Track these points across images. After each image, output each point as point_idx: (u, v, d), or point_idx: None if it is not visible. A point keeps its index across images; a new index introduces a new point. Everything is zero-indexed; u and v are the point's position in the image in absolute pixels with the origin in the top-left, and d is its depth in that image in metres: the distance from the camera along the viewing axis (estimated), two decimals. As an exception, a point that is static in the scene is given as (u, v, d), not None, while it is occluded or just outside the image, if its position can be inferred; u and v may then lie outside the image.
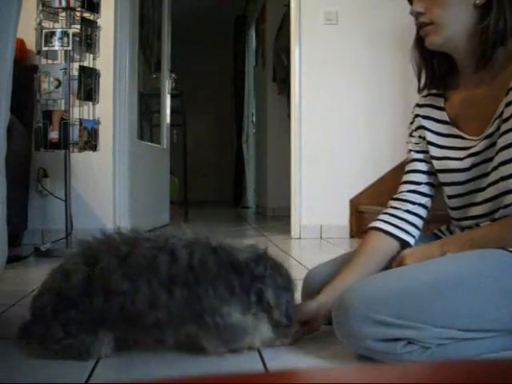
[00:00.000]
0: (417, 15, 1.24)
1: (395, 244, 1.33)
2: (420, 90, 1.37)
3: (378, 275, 1.22)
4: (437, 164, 1.32)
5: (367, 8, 3.54)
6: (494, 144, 1.18)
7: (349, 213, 3.50)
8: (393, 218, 1.34)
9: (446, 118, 1.32)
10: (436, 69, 1.32)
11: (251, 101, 6.75)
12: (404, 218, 1.34)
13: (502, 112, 1.16)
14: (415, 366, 0.38)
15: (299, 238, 3.47)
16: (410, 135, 1.42)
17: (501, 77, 1.20)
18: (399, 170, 3.53)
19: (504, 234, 1.16)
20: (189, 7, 6.46)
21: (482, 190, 1.23)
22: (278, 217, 5.06)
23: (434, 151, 1.32)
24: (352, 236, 3.49)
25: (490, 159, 1.20)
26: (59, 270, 1.19)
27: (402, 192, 1.38)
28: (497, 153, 1.18)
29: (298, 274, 1.44)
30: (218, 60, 7.86)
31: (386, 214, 1.36)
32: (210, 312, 1.09)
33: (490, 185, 1.21)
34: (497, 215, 1.20)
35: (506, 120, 1.15)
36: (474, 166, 1.24)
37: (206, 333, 1.12)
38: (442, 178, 1.32)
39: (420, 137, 1.38)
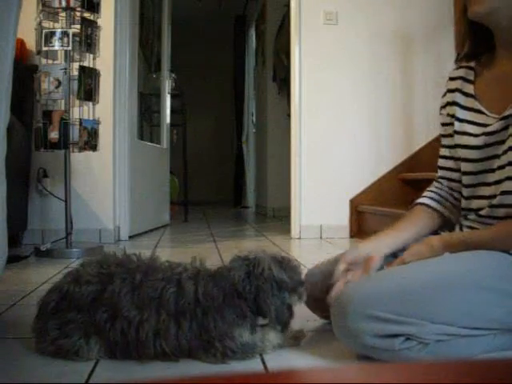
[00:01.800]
0: None
1: (437, 219, 1.36)
2: (458, 60, 1.35)
3: (377, 273, 1.23)
4: (456, 138, 1.32)
5: (367, 8, 3.54)
6: (508, 126, 1.18)
7: (349, 213, 3.50)
8: (436, 196, 1.38)
9: (472, 92, 1.31)
10: (478, 42, 1.30)
11: (251, 101, 6.74)
12: (445, 197, 1.38)
13: None
14: (415, 366, 0.38)
15: (299, 238, 3.47)
16: (440, 110, 1.42)
17: None
18: (399, 171, 3.54)
19: (498, 239, 1.17)
20: (189, 7, 6.46)
21: (493, 171, 1.22)
22: (278, 217, 5.06)
23: (456, 125, 1.32)
24: (352, 236, 3.49)
25: (503, 141, 1.19)
26: (73, 273, 1.19)
27: (438, 177, 1.42)
28: (508, 137, 1.17)
29: (298, 274, 1.43)
30: (218, 60, 7.86)
31: (430, 191, 1.41)
32: (218, 338, 1.12)
33: (499, 167, 1.20)
34: (495, 201, 1.20)
35: None
36: (486, 145, 1.23)
37: (214, 356, 1.14)
38: (459, 152, 1.31)
39: (448, 114, 1.37)
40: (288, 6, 3.88)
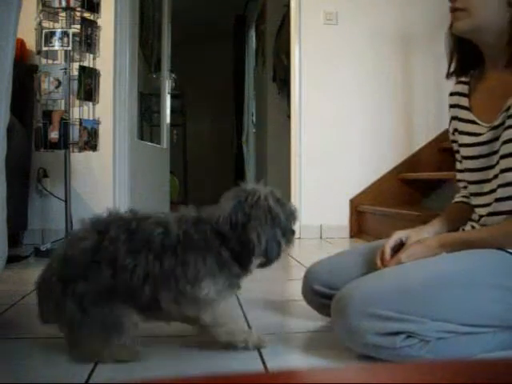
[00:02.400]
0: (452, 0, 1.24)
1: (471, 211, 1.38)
2: (448, 76, 1.37)
3: (377, 273, 1.24)
4: (461, 150, 1.35)
5: (367, 8, 3.54)
6: (498, 137, 1.20)
7: (349, 213, 3.50)
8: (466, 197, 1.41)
9: (467, 104, 1.34)
10: (465, 57, 1.32)
11: (251, 101, 6.74)
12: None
13: (509, 107, 1.17)
14: (415, 366, 0.38)
15: (299, 238, 3.47)
16: (449, 128, 1.45)
17: None
18: (399, 171, 3.54)
19: (495, 238, 1.18)
20: (189, 7, 6.46)
21: (489, 180, 1.24)
22: (278, 217, 5.05)
23: (458, 138, 1.35)
24: (352, 236, 3.49)
25: (495, 152, 1.21)
26: (67, 239, 1.19)
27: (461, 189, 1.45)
28: (500, 146, 1.19)
29: (298, 274, 1.44)
30: (218, 60, 7.85)
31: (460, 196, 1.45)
32: (191, 281, 1.10)
33: (494, 177, 1.22)
34: (491, 209, 1.22)
35: (511, 116, 1.16)
36: (481, 156, 1.25)
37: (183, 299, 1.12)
38: (463, 163, 1.35)
39: (454, 130, 1.40)
40: (288, 5, 3.88)
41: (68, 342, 1.16)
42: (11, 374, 1.11)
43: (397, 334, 1.08)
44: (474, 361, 0.47)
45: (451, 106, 1.40)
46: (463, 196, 1.43)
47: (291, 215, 1.20)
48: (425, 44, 3.49)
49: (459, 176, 1.43)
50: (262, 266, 1.20)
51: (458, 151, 1.39)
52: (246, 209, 1.14)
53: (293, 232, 1.21)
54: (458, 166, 1.42)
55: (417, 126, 3.57)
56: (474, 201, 1.32)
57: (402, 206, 3.29)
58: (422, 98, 3.54)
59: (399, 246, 1.30)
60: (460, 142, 1.34)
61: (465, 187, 1.41)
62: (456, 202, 1.45)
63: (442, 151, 3.34)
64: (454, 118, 1.39)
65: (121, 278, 1.09)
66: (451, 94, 1.41)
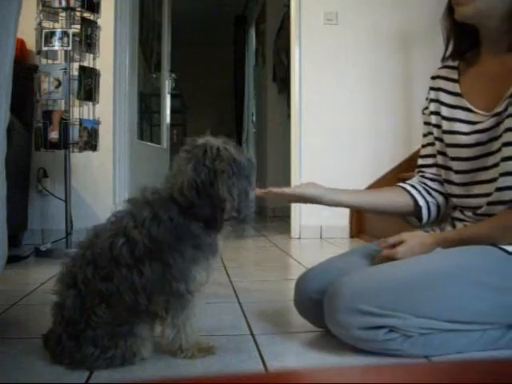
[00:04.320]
0: None
1: (409, 201, 1.38)
2: (444, 59, 1.35)
3: (366, 269, 1.24)
4: (445, 137, 1.33)
5: (367, 8, 3.54)
6: (500, 123, 1.18)
7: (349, 213, 3.50)
8: (416, 183, 1.41)
9: (458, 90, 1.32)
10: (462, 40, 1.31)
11: (251, 101, 6.74)
12: (425, 188, 1.40)
13: None
14: (415, 366, 0.38)
15: (299, 238, 3.47)
16: (423, 110, 1.43)
17: None
18: (399, 170, 3.54)
19: (493, 233, 1.18)
20: (189, 7, 6.46)
21: (487, 168, 1.23)
22: (278, 217, 5.06)
23: (443, 124, 1.33)
24: (352, 236, 3.49)
25: (496, 138, 1.20)
26: (55, 305, 1.14)
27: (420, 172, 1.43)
28: (501, 134, 1.18)
29: (298, 274, 1.44)
30: (217, 60, 7.85)
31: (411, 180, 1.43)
32: (178, 279, 1.07)
33: (494, 165, 1.21)
34: (491, 198, 1.20)
35: None
36: (479, 143, 1.24)
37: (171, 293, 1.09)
38: (449, 152, 1.32)
39: (431, 112, 1.38)
40: (288, 6, 3.88)
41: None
42: (11, 374, 1.11)
43: (379, 328, 1.12)
44: (473, 361, 0.47)
45: (433, 89, 1.38)
46: (409, 184, 1.41)
47: (251, 163, 1.12)
48: (425, 44, 3.49)
49: (422, 161, 1.42)
50: (236, 224, 1.11)
51: (430, 133, 1.38)
52: (208, 165, 1.04)
53: (254, 169, 1.14)
54: (426, 150, 1.40)
55: (416, 126, 3.56)
56: (466, 191, 1.29)
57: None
58: (421, 97, 3.53)
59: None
60: (447, 129, 1.31)
61: (420, 173, 1.40)
62: (398, 186, 1.42)
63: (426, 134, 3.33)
64: (434, 101, 1.37)
65: (115, 307, 1.07)
66: (433, 78, 1.39)
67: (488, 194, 1.22)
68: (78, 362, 1.09)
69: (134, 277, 1.06)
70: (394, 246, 1.27)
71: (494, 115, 1.20)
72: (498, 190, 1.19)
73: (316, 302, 1.27)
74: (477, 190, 1.26)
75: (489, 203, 1.22)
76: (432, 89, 1.38)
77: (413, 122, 3.55)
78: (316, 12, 3.52)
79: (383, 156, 3.54)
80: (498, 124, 1.19)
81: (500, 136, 1.18)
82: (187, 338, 1.14)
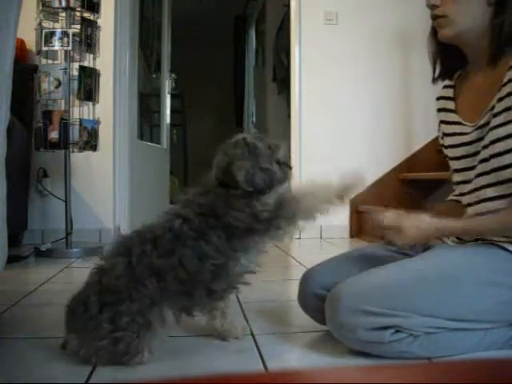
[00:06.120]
0: (432, 7, 1.26)
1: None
2: (434, 80, 1.38)
3: (368, 271, 1.24)
4: (446, 152, 1.37)
5: (367, 8, 3.54)
6: (484, 136, 1.21)
7: (349, 213, 3.50)
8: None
9: (453, 107, 1.35)
10: (449, 60, 1.34)
11: (251, 101, 6.74)
12: None
13: (494, 106, 1.18)
14: (415, 366, 0.38)
15: (299, 238, 3.46)
16: (439, 133, 1.47)
17: (500, 72, 1.21)
18: (399, 171, 3.54)
19: (498, 228, 1.18)
20: (189, 7, 6.46)
21: (469, 182, 1.26)
22: (278, 217, 5.05)
23: (445, 140, 1.37)
24: (352, 236, 3.49)
25: (479, 152, 1.22)
26: (98, 269, 1.17)
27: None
28: (485, 146, 1.20)
29: (298, 274, 1.44)
30: (218, 60, 7.85)
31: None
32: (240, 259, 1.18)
33: (476, 176, 1.24)
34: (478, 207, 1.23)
35: (496, 115, 1.17)
36: (467, 155, 1.27)
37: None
38: (451, 164, 1.36)
39: (443, 134, 1.41)
40: (288, 5, 3.88)
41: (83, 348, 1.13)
42: (11, 374, 1.11)
43: (385, 328, 1.11)
44: (473, 361, 0.47)
45: (438, 111, 1.42)
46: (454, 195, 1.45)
47: (273, 145, 1.22)
48: (424, 44, 3.48)
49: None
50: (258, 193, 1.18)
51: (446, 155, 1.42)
52: (227, 152, 1.18)
53: (286, 164, 1.23)
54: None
55: (416, 126, 3.57)
56: (463, 200, 1.33)
57: (401, 206, 3.28)
58: (421, 97, 3.54)
59: None
60: (446, 144, 1.36)
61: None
62: (450, 200, 1.46)
63: (442, 151, 3.33)
64: (441, 122, 1.40)
65: (171, 278, 1.11)
66: (438, 99, 1.43)
67: (469, 204, 1.26)
68: (86, 332, 1.10)
69: (201, 244, 1.12)
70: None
71: (477, 127, 1.23)
72: (486, 200, 1.22)
73: (320, 297, 1.29)
74: (463, 200, 1.30)
75: (476, 214, 1.24)
76: (438, 110, 1.42)
77: (413, 122, 3.56)
78: (316, 12, 3.52)
79: (383, 156, 3.54)
80: (482, 136, 1.22)
81: (484, 148, 1.21)
82: (230, 321, 1.27)
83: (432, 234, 1.25)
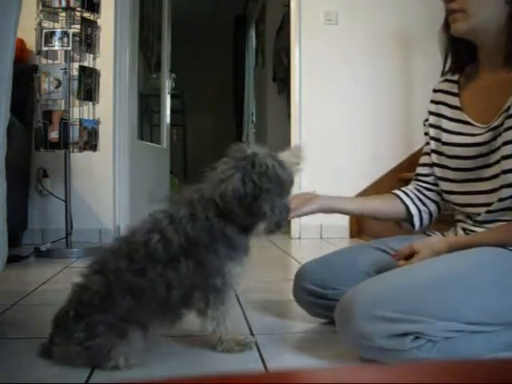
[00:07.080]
0: (447, 0, 1.24)
1: (402, 209, 1.44)
2: (443, 74, 1.37)
3: (382, 275, 1.22)
4: (444, 149, 1.34)
5: (367, 8, 3.54)
6: (497, 136, 1.20)
7: (349, 213, 3.49)
8: (410, 191, 1.46)
9: (458, 104, 1.33)
10: (461, 55, 1.33)
11: (251, 101, 6.74)
12: (419, 196, 1.44)
13: (509, 107, 1.17)
14: (415, 366, 0.38)
15: (299, 238, 3.47)
16: (424, 122, 1.45)
17: None
18: (399, 170, 3.54)
19: (505, 238, 1.18)
20: (189, 7, 6.46)
21: (485, 179, 1.25)
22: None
23: (443, 136, 1.35)
24: (352, 236, 3.49)
25: (494, 151, 1.21)
26: (77, 286, 1.18)
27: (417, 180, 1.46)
28: (499, 147, 1.19)
29: (298, 274, 1.43)
30: (217, 60, 7.85)
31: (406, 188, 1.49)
32: (213, 275, 1.13)
33: (493, 176, 1.22)
34: (492, 207, 1.22)
35: (511, 116, 1.16)
36: (478, 155, 1.25)
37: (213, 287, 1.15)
38: (450, 163, 1.34)
39: (431, 125, 1.40)
40: (288, 5, 3.87)
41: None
42: (11, 374, 1.11)
43: (405, 335, 1.07)
44: (474, 361, 0.47)
45: (433, 102, 1.40)
46: (402, 191, 1.46)
47: (291, 178, 1.20)
48: (424, 44, 3.48)
49: (420, 170, 1.45)
50: (270, 232, 1.18)
51: (428, 143, 1.40)
52: (255, 180, 1.10)
53: (293, 183, 1.23)
54: (425, 159, 1.43)
55: (416, 126, 3.55)
56: (463, 200, 1.31)
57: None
58: (421, 97, 3.53)
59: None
60: (447, 141, 1.34)
61: (417, 181, 1.45)
62: (392, 193, 1.48)
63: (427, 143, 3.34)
64: (434, 114, 1.39)
65: (144, 298, 1.10)
66: (435, 91, 1.41)
67: (487, 204, 1.24)
68: (66, 341, 1.11)
69: (168, 273, 1.10)
70: (406, 257, 1.26)
71: (491, 129, 1.22)
72: (500, 200, 1.20)
73: (311, 292, 1.38)
74: (476, 199, 1.28)
75: (488, 211, 1.23)
76: (433, 102, 1.41)
77: (413, 122, 3.55)
78: (316, 12, 3.52)
79: (383, 156, 3.54)
80: (495, 137, 1.21)
81: (498, 149, 1.20)
82: (227, 330, 1.19)
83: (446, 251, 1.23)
